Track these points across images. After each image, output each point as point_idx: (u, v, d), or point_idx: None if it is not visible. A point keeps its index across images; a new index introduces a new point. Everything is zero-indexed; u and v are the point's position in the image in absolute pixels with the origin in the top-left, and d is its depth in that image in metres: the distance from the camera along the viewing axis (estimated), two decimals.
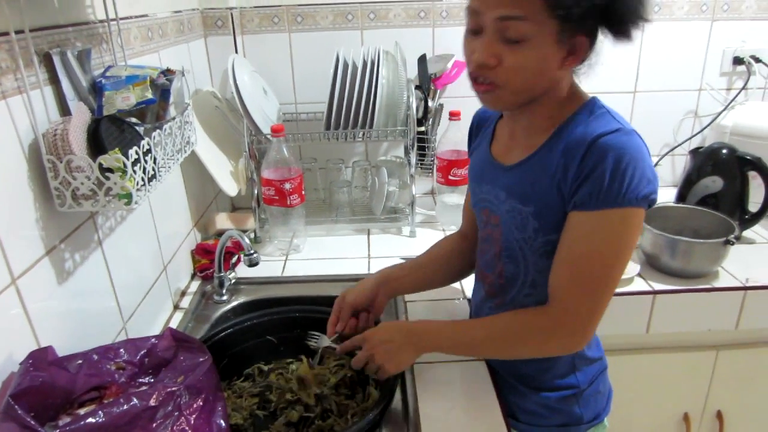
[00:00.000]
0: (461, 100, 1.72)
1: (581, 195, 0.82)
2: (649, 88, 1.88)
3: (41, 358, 0.75)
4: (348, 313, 1.06)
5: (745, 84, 1.83)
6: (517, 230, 0.94)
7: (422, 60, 1.71)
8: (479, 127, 1.08)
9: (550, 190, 0.86)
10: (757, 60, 1.81)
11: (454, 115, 1.62)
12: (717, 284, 1.40)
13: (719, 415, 1.57)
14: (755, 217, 1.56)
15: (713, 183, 1.57)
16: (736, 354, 1.49)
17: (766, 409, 1.58)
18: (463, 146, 1.62)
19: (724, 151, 1.57)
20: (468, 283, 1.38)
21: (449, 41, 1.79)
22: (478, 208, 1.04)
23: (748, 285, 1.39)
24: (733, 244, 1.35)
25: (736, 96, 1.82)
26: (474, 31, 0.82)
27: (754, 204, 1.56)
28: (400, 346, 0.93)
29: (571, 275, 0.86)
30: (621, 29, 0.80)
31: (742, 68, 1.85)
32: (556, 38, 0.77)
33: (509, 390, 1.04)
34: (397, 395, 1.02)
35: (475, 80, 0.84)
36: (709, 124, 1.82)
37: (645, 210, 0.83)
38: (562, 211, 0.86)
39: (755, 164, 1.51)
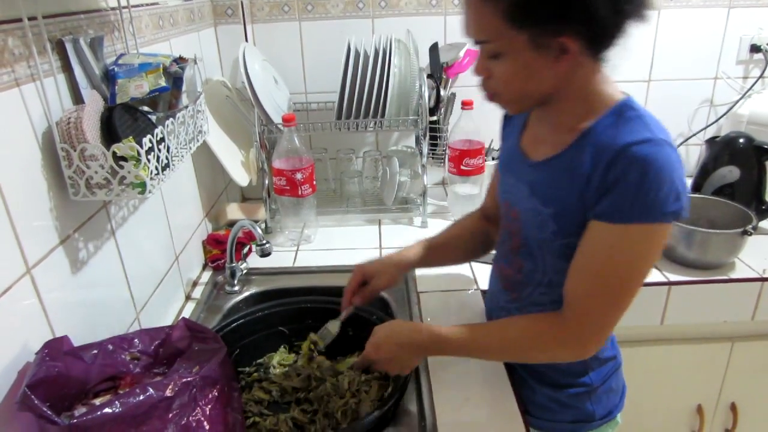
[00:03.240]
0: (473, 89, 1.68)
1: (604, 206, 0.79)
2: (663, 76, 1.86)
3: (56, 348, 0.75)
4: (358, 282, 1.09)
5: (763, 72, 1.80)
6: (536, 230, 0.92)
7: (434, 49, 1.69)
8: (512, 116, 1.05)
9: (571, 194, 0.83)
10: None
11: (466, 105, 1.60)
12: (733, 275, 1.38)
13: (733, 407, 1.56)
14: None
15: (730, 173, 1.55)
16: (752, 346, 1.48)
17: None
18: (476, 136, 1.62)
19: (742, 140, 1.55)
20: (480, 273, 1.38)
21: (461, 30, 1.76)
22: (501, 198, 1.03)
23: (765, 276, 1.37)
24: (750, 234, 1.33)
25: (753, 84, 1.78)
26: None
27: None
28: (410, 359, 0.95)
29: (587, 287, 0.83)
30: (597, 33, 0.76)
31: (759, 56, 1.82)
32: (531, 46, 0.77)
33: (520, 383, 1.04)
34: (412, 387, 1.01)
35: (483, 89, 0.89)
36: (725, 113, 1.79)
37: (671, 225, 0.79)
38: (582, 217, 0.83)
39: None
